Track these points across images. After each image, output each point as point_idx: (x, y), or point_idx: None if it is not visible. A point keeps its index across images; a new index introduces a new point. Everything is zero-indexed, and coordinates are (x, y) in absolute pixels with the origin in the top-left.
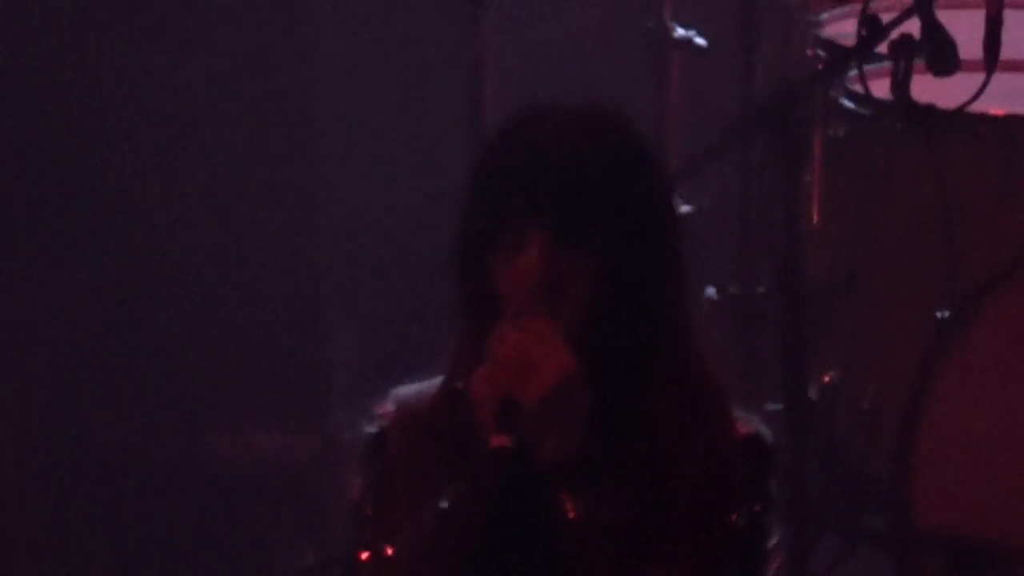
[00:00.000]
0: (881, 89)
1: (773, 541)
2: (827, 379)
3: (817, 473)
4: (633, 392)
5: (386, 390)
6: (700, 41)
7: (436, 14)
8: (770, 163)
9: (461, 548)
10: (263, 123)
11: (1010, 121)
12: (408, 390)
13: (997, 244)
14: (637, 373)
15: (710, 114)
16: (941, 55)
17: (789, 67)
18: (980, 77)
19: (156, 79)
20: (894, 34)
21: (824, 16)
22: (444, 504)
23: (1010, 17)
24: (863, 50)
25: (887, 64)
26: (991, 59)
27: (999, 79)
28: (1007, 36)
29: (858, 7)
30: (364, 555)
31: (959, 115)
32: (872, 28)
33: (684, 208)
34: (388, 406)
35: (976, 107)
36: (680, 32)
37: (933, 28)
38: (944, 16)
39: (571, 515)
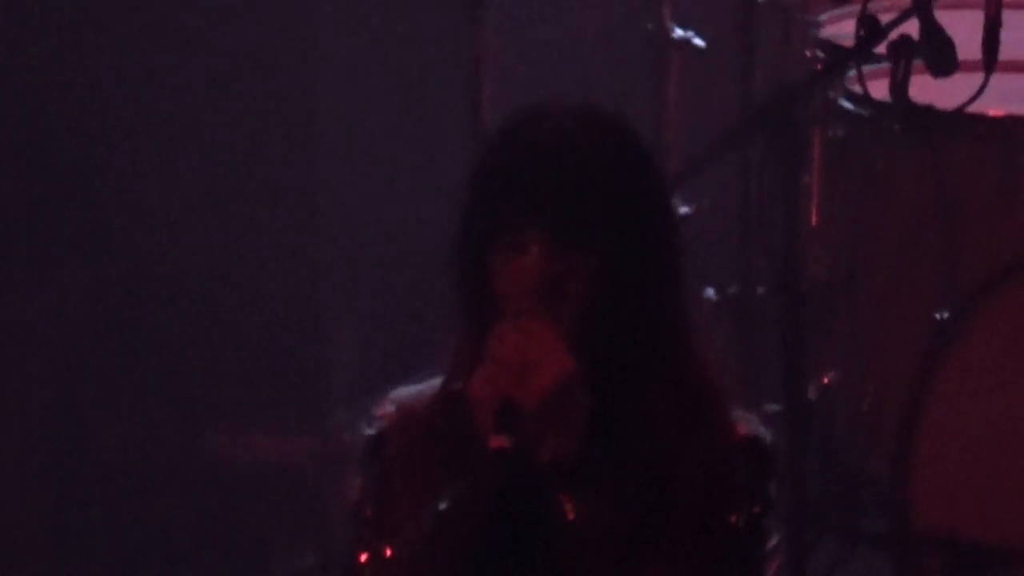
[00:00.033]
0: (880, 90)
1: (772, 542)
2: (826, 380)
3: (816, 474)
4: (632, 393)
5: (386, 390)
6: (699, 42)
7: (436, 14)
8: (769, 164)
9: (460, 549)
10: (263, 123)
11: (1009, 122)
12: (407, 391)
13: (996, 245)
14: (636, 374)
15: (709, 115)
16: (940, 56)
17: (788, 68)
18: (979, 78)
19: (156, 79)
20: (893, 35)
21: (823, 17)
22: (443, 505)
23: (1009, 17)
24: (862, 51)
25: (886, 65)
26: (990, 60)
27: (998, 80)
28: (1006, 36)
29: (857, 8)
30: (363, 556)
31: (958, 116)
32: (871, 29)
33: (683, 209)
34: (387, 407)
35: (975, 108)
36: (679, 33)
37: (932, 29)
38: (943, 17)
39: (570, 516)
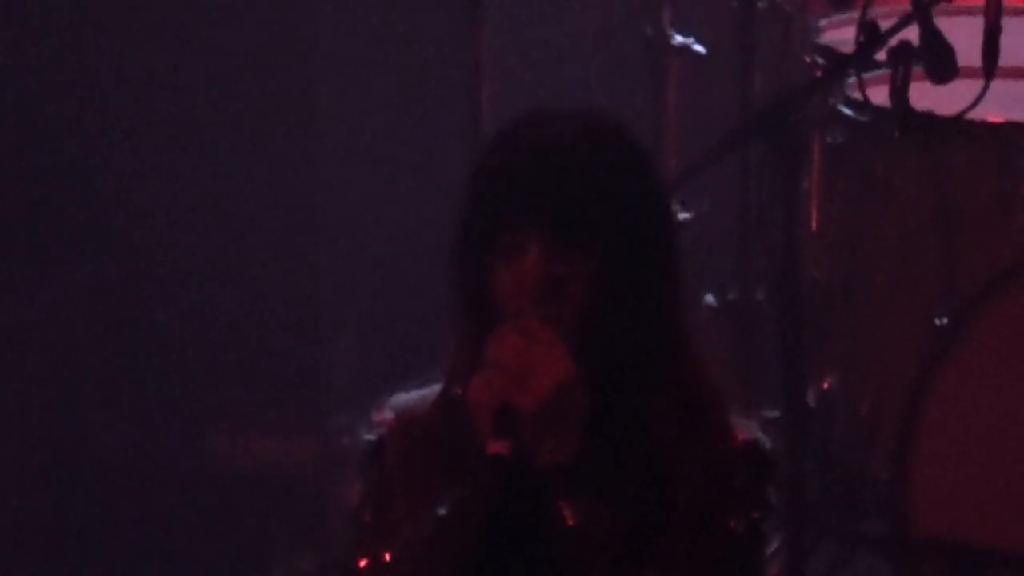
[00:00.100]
0: (880, 96)
1: (772, 546)
2: (825, 385)
3: (816, 477)
4: (631, 396)
5: (385, 393)
6: (699, 47)
7: (436, 14)
8: (769, 169)
9: (459, 553)
10: (263, 123)
11: (1008, 128)
12: (406, 396)
13: (995, 250)
14: (635, 377)
15: (709, 119)
16: (939, 62)
17: (788, 73)
18: (978, 84)
19: (156, 79)
20: (893, 41)
21: (823, 23)
22: (442, 510)
23: (1008, 24)
24: (861, 57)
25: (885, 71)
26: (989, 66)
27: (997, 86)
28: (1005, 43)
29: (857, 14)
30: (362, 561)
31: (957, 122)
32: (871, 35)
33: (683, 213)
34: (386, 413)
35: (974, 114)
36: (679, 38)
37: (931, 35)
38: (942, 23)
39: (569, 520)
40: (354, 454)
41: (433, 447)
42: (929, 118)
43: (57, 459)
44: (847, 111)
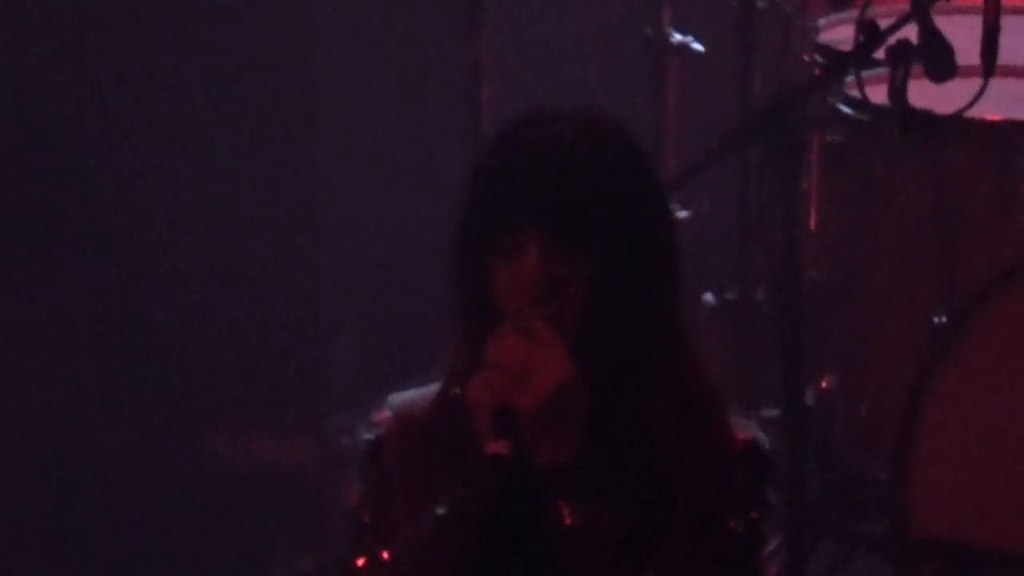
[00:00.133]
0: (879, 95)
1: (771, 546)
2: (825, 384)
3: (815, 477)
4: (631, 396)
5: (385, 393)
6: (698, 46)
7: (436, 14)
8: (768, 168)
9: (458, 554)
10: (263, 123)
11: (1007, 126)
12: (405, 396)
13: (994, 249)
14: (635, 377)
15: (708, 119)
16: (938, 60)
17: (787, 72)
18: (977, 82)
19: (156, 79)
20: (892, 40)
21: (822, 21)
22: (441, 510)
23: (1007, 23)
24: (861, 55)
25: (885, 70)
26: (988, 64)
27: (996, 84)
28: (1004, 41)
29: (856, 13)
30: (361, 560)
31: (956, 120)
32: (870, 33)
33: (682, 213)
34: (385, 413)
35: (973, 112)
36: (678, 37)
37: (930, 34)
38: (941, 22)
39: (568, 521)
40: (354, 454)
41: (432, 447)
42: (928, 117)
43: (57, 459)
44: (846, 110)
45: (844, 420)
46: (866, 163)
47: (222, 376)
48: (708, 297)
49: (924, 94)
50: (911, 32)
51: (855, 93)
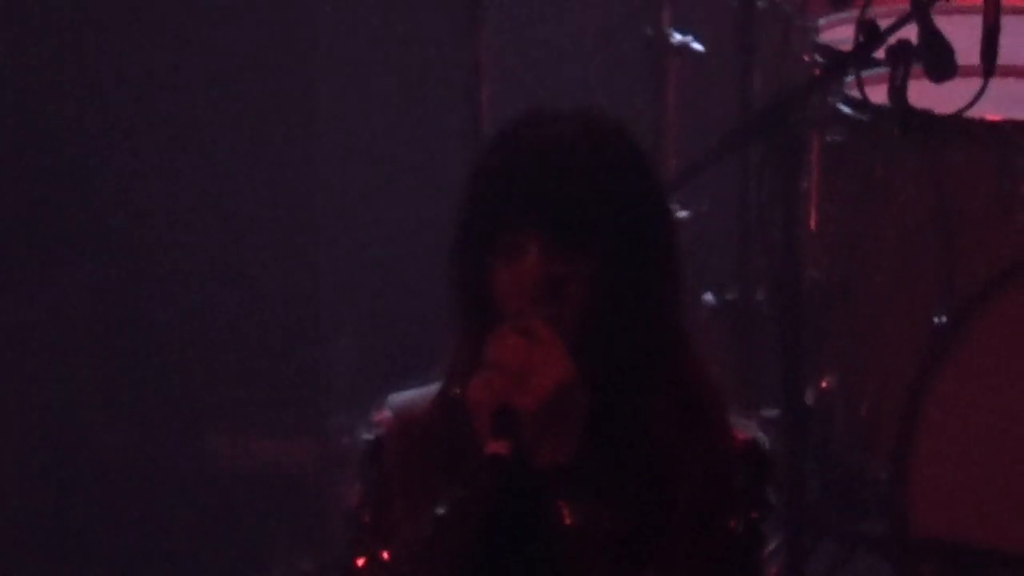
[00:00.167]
0: (879, 95)
1: (771, 546)
2: (825, 384)
3: (815, 477)
4: (631, 396)
5: (385, 393)
6: (698, 46)
7: (436, 14)
8: (768, 168)
9: (458, 554)
10: (263, 123)
11: (1007, 126)
12: (405, 396)
13: (994, 249)
14: (635, 377)
15: (708, 119)
16: (938, 60)
17: (787, 72)
18: (977, 82)
19: (156, 79)
20: (892, 40)
21: (822, 21)
22: (441, 510)
23: (1007, 23)
24: (861, 55)
25: (885, 70)
26: (988, 64)
27: (996, 84)
28: (1004, 41)
29: (856, 13)
30: (361, 560)
31: (956, 120)
32: (870, 33)
33: (682, 213)
34: (385, 413)
35: (973, 112)
36: (678, 37)
37: (930, 34)
38: (941, 22)
39: (568, 521)
40: (354, 454)
41: (432, 447)
42: (928, 117)
43: (57, 459)
44: (846, 110)
45: (844, 420)
46: (866, 163)
47: (222, 376)
48: (708, 297)
49: (924, 94)
50: (911, 32)
51: (855, 93)
